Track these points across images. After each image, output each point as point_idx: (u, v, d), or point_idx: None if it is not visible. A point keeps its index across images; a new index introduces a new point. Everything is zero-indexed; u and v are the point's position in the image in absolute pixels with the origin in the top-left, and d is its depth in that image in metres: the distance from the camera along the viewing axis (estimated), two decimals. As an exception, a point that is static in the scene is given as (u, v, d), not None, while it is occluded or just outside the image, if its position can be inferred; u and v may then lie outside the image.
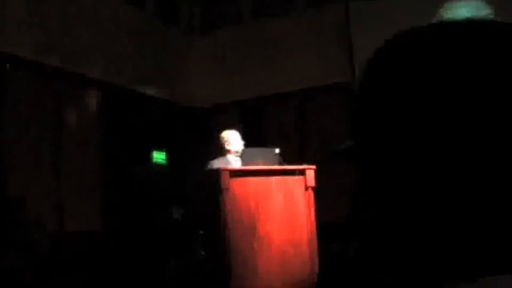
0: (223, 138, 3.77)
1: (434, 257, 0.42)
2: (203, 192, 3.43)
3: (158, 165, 6.39)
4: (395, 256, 0.46)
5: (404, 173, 0.46)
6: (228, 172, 3.09)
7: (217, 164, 3.51)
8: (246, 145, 3.74)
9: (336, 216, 5.68)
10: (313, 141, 6.50)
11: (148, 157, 6.29)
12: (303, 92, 6.62)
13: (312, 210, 3.27)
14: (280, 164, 3.41)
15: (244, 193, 3.14)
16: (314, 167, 3.35)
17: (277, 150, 3.42)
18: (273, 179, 3.25)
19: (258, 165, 3.30)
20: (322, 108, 6.50)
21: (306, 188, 3.28)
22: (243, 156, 3.42)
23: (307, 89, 6.57)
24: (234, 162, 3.71)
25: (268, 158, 3.39)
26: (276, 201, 3.21)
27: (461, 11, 5.35)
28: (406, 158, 0.46)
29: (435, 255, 0.42)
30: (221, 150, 3.77)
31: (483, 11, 5.24)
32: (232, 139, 3.74)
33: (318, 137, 6.45)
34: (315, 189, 3.31)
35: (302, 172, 3.30)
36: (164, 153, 6.50)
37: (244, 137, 3.94)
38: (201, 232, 3.54)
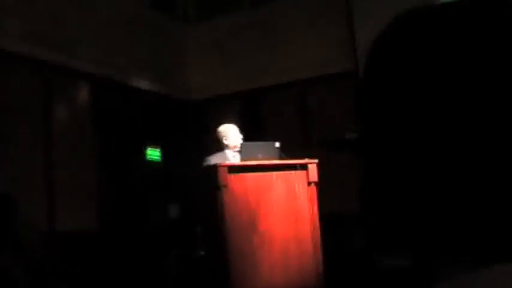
0: (220, 132, 3.78)
1: (439, 244, 0.43)
2: (200, 190, 3.44)
3: (152, 163, 6.40)
4: (402, 243, 0.47)
5: (412, 165, 0.46)
6: (226, 168, 3.11)
7: (214, 159, 3.52)
8: (245, 139, 3.75)
9: (338, 207, 5.73)
10: (315, 133, 6.50)
11: (143, 154, 6.30)
12: (305, 80, 6.61)
13: (315, 206, 3.28)
14: (281, 158, 3.41)
15: (243, 189, 3.15)
16: (316, 160, 3.35)
17: (277, 144, 3.42)
18: (274, 174, 3.26)
19: (257, 160, 3.31)
20: (326, 98, 6.50)
21: (309, 183, 3.30)
22: (241, 151, 3.43)
23: (309, 77, 6.55)
24: (232, 157, 3.71)
25: (268, 152, 3.39)
26: (276, 197, 3.23)
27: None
28: (414, 148, 0.46)
29: (440, 241, 0.42)
30: (219, 145, 3.78)
31: None
32: (230, 133, 3.75)
33: (321, 129, 6.45)
34: (318, 184, 3.32)
35: (304, 166, 3.31)
36: (159, 149, 6.51)
37: (243, 130, 3.95)
38: (199, 229, 3.55)
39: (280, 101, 6.83)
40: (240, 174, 3.17)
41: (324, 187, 3.34)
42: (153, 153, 6.47)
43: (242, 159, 3.38)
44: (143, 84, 6.51)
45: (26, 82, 5.10)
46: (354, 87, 6.09)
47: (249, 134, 3.88)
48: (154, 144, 6.49)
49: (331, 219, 3.54)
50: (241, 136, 3.78)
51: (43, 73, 5.25)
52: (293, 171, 3.30)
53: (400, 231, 0.48)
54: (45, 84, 5.29)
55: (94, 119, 5.75)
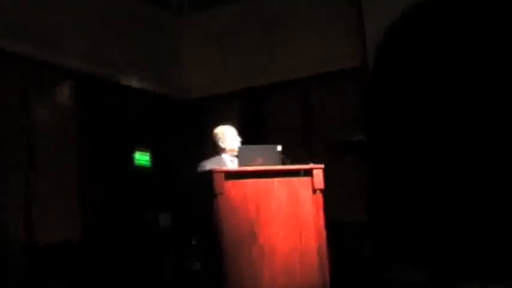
0: (216, 134, 3.77)
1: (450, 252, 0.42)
2: (195, 197, 3.43)
3: (141, 168, 6.40)
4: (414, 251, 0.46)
5: (427, 169, 0.45)
6: (222, 174, 3.09)
7: (210, 164, 3.51)
8: (244, 142, 3.74)
9: (342, 214, 5.73)
10: (321, 136, 6.50)
11: (131, 158, 6.30)
12: (309, 78, 6.63)
13: (321, 216, 3.27)
14: (284, 163, 3.40)
15: (241, 197, 3.13)
16: (322, 166, 3.34)
17: (279, 147, 3.41)
18: (275, 180, 3.24)
19: (257, 165, 3.29)
20: (332, 97, 6.50)
21: (314, 191, 3.28)
22: (240, 154, 3.41)
23: (314, 75, 6.57)
24: (229, 162, 3.70)
25: (269, 157, 3.38)
26: (278, 206, 3.21)
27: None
28: (429, 151, 0.45)
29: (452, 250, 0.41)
30: (215, 149, 3.77)
31: None
32: (227, 135, 3.74)
33: (326, 130, 6.45)
34: (323, 191, 3.31)
35: (309, 172, 3.30)
36: (148, 154, 6.50)
37: (243, 131, 3.94)
38: (194, 242, 3.54)
39: (283, 100, 6.84)
40: (238, 180, 3.15)
41: (327, 192, 3.33)
42: (142, 158, 6.47)
43: (240, 164, 3.36)
44: (134, 82, 6.52)
45: (3, 80, 5.08)
46: (362, 84, 6.12)
47: (249, 136, 3.87)
48: (144, 148, 6.48)
49: (334, 227, 3.54)
50: (239, 139, 3.77)
51: (23, 70, 5.23)
52: (296, 178, 3.28)
53: (413, 242, 0.47)
54: (25, 81, 5.28)
55: (79, 121, 5.75)
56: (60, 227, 5.29)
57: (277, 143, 3.46)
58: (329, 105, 6.51)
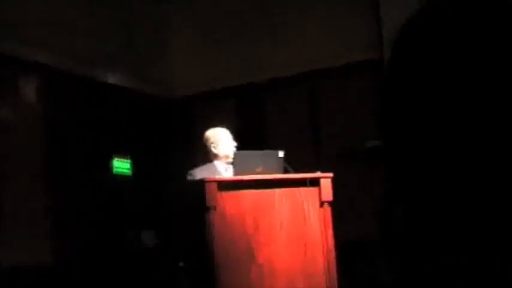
0: (208, 138, 3.80)
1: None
2: (183, 212, 3.45)
3: (121, 178, 6.41)
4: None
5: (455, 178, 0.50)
6: (215, 184, 3.11)
7: (201, 173, 3.54)
8: (240, 147, 3.77)
9: (357, 233, 5.73)
10: (329, 140, 6.52)
11: (109, 167, 6.31)
12: (317, 73, 6.65)
13: (330, 232, 3.29)
14: (286, 171, 3.42)
15: (238, 211, 3.16)
16: (331, 175, 3.37)
17: (281, 154, 3.43)
18: (277, 191, 3.26)
19: (255, 173, 3.31)
20: (342, 95, 6.54)
21: (321, 203, 3.31)
22: (235, 162, 3.44)
23: (323, 69, 6.60)
24: (223, 170, 3.73)
25: (270, 164, 3.40)
26: (280, 221, 3.23)
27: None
28: (450, 158, 0.49)
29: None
30: (206, 155, 3.80)
31: None
32: (221, 140, 3.77)
33: (336, 134, 6.48)
34: (332, 203, 3.34)
35: (315, 182, 3.32)
36: (128, 161, 6.52)
37: (238, 135, 3.97)
38: (182, 264, 3.56)
39: (286, 99, 6.86)
40: (234, 191, 3.17)
41: (335, 205, 3.36)
42: (122, 166, 6.48)
43: (236, 173, 3.39)
44: (112, 78, 6.54)
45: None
46: (377, 80, 6.15)
47: (246, 141, 3.90)
48: (123, 155, 6.50)
49: (344, 245, 3.56)
50: (234, 143, 3.79)
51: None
52: (301, 188, 3.31)
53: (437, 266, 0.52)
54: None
55: (47, 123, 5.75)
56: (27, 249, 5.28)
57: (278, 148, 3.48)
58: (339, 105, 6.53)
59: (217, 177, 3.43)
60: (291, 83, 6.82)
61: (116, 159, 6.41)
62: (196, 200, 3.14)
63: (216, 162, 3.76)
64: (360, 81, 6.38)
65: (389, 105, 5.98)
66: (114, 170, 6.39)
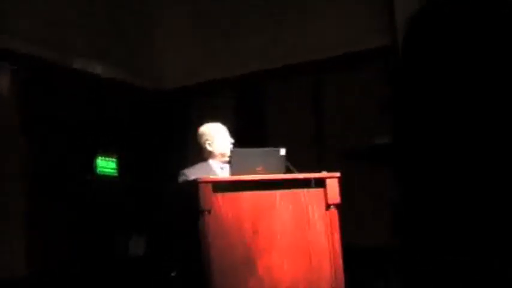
0: (203, 135, 3.79)
1: None
2: (174, 216, 3.45)
3: (105, 178, 6.39)
4: None
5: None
6: (210, 185, 3.10)
7: (194, 173, 3.53)
8: (238, 144, 3.77)
9: (366, 238, 5.74)
10: (336, 137, 6.52)
11: (92, 166, 6.29)
12: (322, 62, 6.65)
13: (337, 238, 3.30)
14: (288, 171, 3.42)
15: (235, 215, 3.15)
16: (338, 174, 3.36)
17: (282, 151, 3.43)
18: (278, 193, 3.26)
19: (254, 173, 3.31)
20: (350, 87, 6.54)
21: (327, 206, 3.30)
22: (232, 160, 3.44)
23: (329, 58, 6.59)
24: (219, 170, 3.73)
25: (270, 163, 3.40)
26: (282, 226, 3.23)
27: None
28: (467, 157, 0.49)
29: None
30: (201, 153, 3.79)
31: None
32: (217, 136, 3.77)
33: (343, 130, 6.47)
34: (339, 206, 3.34)
35: (321, 183, 3.32)
36: (114, 160, 6.50)
37: (235, 131, 3.96)
38: (174, 274, 3.56)
39: (288, 91, 6.86)
40: (231, 193, 3.16)
41: (343, 208, 3.37)
42: (107, 165, 6.47)
43: (233, 173, 3.39)
44: (95, 68, 6.53)
45: None
46: (387, 72, 6.15)
47: (244, 137, 3.90)
48: (108, 153, 6.49)
49: (352, 253, 3.57)
50: (231, 140, 3.79)
51: None
52: (305, 190, 3.31)
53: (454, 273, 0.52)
54: None
55: (22, 118, 5.74)
56: (2, 261, 5.26)
57: (279, 146, 3.48)
58: (346, 97, 6.53)
59: (212, 177, 3.42)
60: (293, 74, 6.81)
61: (100, 158, 6.40)
62: (189, 202, 3.13)
63: (211, 161, 3.76)
64: (368, 73, 6.38)
65: (401, 98, 5.96)
66: (98, 170, 6.38)
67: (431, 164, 5.62)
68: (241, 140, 3.92)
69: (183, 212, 3.33)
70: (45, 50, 5.97)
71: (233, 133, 3.88)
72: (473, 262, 4.94)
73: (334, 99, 6.66)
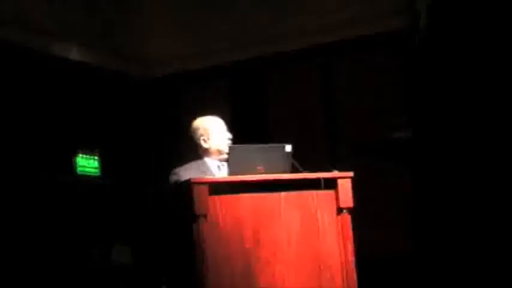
0: (197, 129, 3.78)
1: None
2: (166, 222, 3.44)
3: (86, 179, 6.37)
4: None
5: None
6: (206, 186, 3.10)
7: (187, 173, 3.52)
8: (236, 140, 3.76)
9: (383, 246, 5.74)
10: (348, 130, 6.52)
11: (71, 165, 6.27)
12: (332, 46, 6.64)
13: (350, 247, 3.29)
14: (294, 170, 3.42)
15: (233, 221, 3.14)
16: (351, 174, 3.36)
17: (288, 148, 3.42)
18: (282, 196, 3.25)
19: (256, 173, 3.30)
20: (363, 74, 6.53)
21: (339, 210, 3.30)
22: (231, 158, 3.44)
23: (339, 41, 6.58)
24: (215, 169, 3.73)
25: (274, 161, 3.39)
26: (287, 233, 3.22)
27: None
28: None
29: None
30: (195, 151, 3.79)
31: None
32: (213, 131, 3.76)
33: (356, 123, 6.47)
34: (353, 211, 3.34)
35: (331, 184, 3.31)
36: (96, 158, 6.49)
37: (233, 125, 3.95)
38: (164, 287, 3.57)
39: (293, 79, 6.85)
40: (229, 196, 3.16)
41: (356, 212, 3.37)
42: (88, 164, 6.47)
43: (232, 172, 3.38)
44: (72, 53, 6.51)
45: None
46: (409, 55, 6.13)
47: (244, 132, 3.91)
48: (90, 150, 6.48)
49: (367, 264, 3.57)
50: (229, 135, 3.79)
51: None
52: (314, 192, 3.30)
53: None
54: None
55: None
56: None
57: (284, 141, 3.47)
58: (360, 85, 6.52)
59: (208, 177, 3.41)
60: (299, 59, 6.80)
61: (80, 156, 6.39)
62: (182, 206, 3.13)
63: (206, 159, 3.76)
64: (385, 58, 6.37)
65: (424, 86, 5.97)
66: (78, 169, 6.37)
67: (459, 161, 5.62)
68: (240, 135, 3.91)
69: (174, 217, 3.32)
70: (14, 30, 5.95)
71: (230, 127, 3.87)
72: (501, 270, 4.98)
73: (346, 87, 6.65)
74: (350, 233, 3.31)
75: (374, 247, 5.35)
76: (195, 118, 3.87)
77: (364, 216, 3.49)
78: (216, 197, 3.11)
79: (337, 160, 5.72)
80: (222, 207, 3.13)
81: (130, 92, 7.04)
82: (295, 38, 6.75)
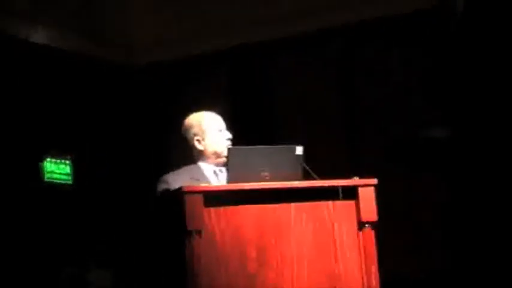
0: (190, 128, 3.79)
1: None
2: (153, 239, 3.44)
3: (56, 187, 6.36)
4: None
5: None
6: (200, 196, 3.10)
7: (179, 179, 3.53)
8: (237, 141, 3.77)
9: (413, 267, 5.73)
10: (371, 129, 6.52)
11: (37, 171, 6.27)
12: (352, 29, 6.64)
13: (374, 270, 3.30)
14: (306, 177, 3.42)
15: (234, 237, 3.14)
16: (374, 181, 3.36)
17: (299, 150, 3.43)
18: (292, 207, 3.25)
19: (261, 180, 3.31)
20: (388, 61, 6.53)
21: (360, 225, 3.30)
22: (231, 162, 3.44)
23: (359, 22, 6.58)
24: (212, 175, 3.74)
25: (282, 166, 3.40)
26: (299, 252, 3.22)
27: None
28: None
29: None
30: (188, 153, 3.79)
31: None
32: (209, 130, 3.77)
33: (381, 120, 6.47)
34: (377, 225, 3.34)
35: (351, 192, 3.32)
36: (68, 162, 6.49)
37: (233, 123, 3.96)
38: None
39: (303, 68, 6.85)
40: (228, 207, 3.16)
41: (380, 227, 3.37)
42: (58, 170, 6.47)
43: (231, 179, 3.39)
44: (40, 36, 6.52)
45: None
46: (444, 38, 6.13)
47: (246, 131, 3.90)
48: (60, 153, 6.48)
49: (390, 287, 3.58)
50: (229, 135, 3.81)
51: None
52: (330, 202, 3.30)
53: None
54: None
55: None
56: None
57: (294, 142, 3.47)
58: (385, 74, 6.52)
59: (204, 185, 3.41)
60: (311, 44, 6.81)
61: (48, 160, 6.39)
62: (172, 220, 3.13)
63: (201, 164, 3.77)
64: (414, 42, 6.38)
65: (461, 76, 6.00)
66: (46, 176, 6.37)
67: (505, 165, 5.61)
68: (241, 134, 3.92)
69: (162, 233, 3.32)
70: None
71: (230, 125, 3.88)
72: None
73: (369, 76, 6.65)
74: (374, 252, 3.30)
75: (402, 268, 5.35)
76: (187, 114, 3.87)
77: (390, 232, 3.49)
78: (212, 209, 3.11)
79: (358, 164, 5.71)
80: (219, 221, 3.12)
81: (109, 82, 7.05)
82: (307, 17, 6.74)
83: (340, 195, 3.31)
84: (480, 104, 5.88)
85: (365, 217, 3.30)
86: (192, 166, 3.76)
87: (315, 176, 3.44)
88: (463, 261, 5.92)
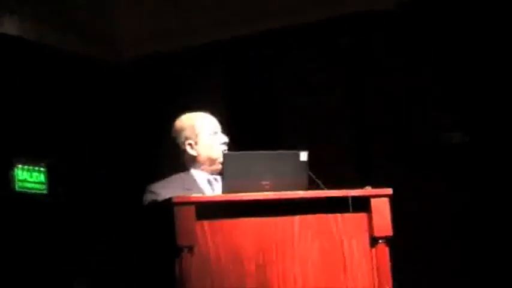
0: (181, 131, 3.80)
1: None
2: (138, 256, 3.44)
3: (28, 197, 6.36)
4: None
5: None
6: (192, 207, 3.10)
7: (168, 189, 3.53)
8: (233, 145, 3.77)
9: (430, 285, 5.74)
10: (384, 129, 6.52)
11: (8, 179, 6.27)
12: (362, 18, 6.65)
13: (387, 289, 3.30)
14: (312, 186, 3.42)
15: (231, 254, 3.15)
16: (389, 191, 3.36)
17: (303, 156, 3.43)
18: (296, 220, 3.26)
19: (261, 189, 3.31)
20: (402, 54, 6.54)
21: (373, 240, 3.30)
22: (226, 170, 3.44)
23: (369, 12, 6.59)
24: (206, 184, 3.75)
25: (284, 173, 3.41)
26: (303, 272, 3.22)
27: None
28: None
29: None
30: (179, 159, 3.80)
31: None
32: (203, 133, 3.78)
33: (394, 122, 6.48)
34: (391, 241, 3.33)
35: (362, 204, 3.31)
36: (43, 169, 6.48)
37: (229, 126, 3.96)
38: None
39: (307, 63, 6.86)
40: (224, 220, 3.17)
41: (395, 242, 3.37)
42: (31, 178, 6.46)
43: (227, 189, 3.39)
44: (14, 28, 6.53)
45: None
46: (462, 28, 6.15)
47: (244, 134, 3.89)
48: (33, 159, 6.48)
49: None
50: (225, 139, 3.81)
51: None
52: (339, 215, 3.30)
53: None
54: None
55: None
56: None
57: (298, 147, 3.47)
58: (400, 70, 6.53)
59: (196, 195, 3.40)
60: (317, 36, 6.81)
61: (19, 167, 6.38)
62: (160, 235, 3.14)
63: (193, 171, 3.77)
64: (429, 31, 6.39)
65: (484, 72, 6.01)
66: (17, 185, 6.36)
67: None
68: (238, 137, 3.92)
69: (150, 249, 3.33)
70: None
71: (227, 127, 3.88)
72: None
73: (381, 73, 6.66)
74: (388, 270, 3.31)
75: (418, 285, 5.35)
76: (178, 115, 3.87)
77: (407, 246, 3.49)
78: (206, 223, 3.12)
79: (371, 171, 5.71)
80: (214, 236, 3.13)
81: (90, 79, 7.05)
82: (309, 7, 6.76)
83: (350, 207, 3.31)
84: (497, 108, 5.90)
85: (378, 232, 3.29)
86: (183, 174, 3.77)
87: (321, 185, 3.44)
88: (482, 279, 5.93)
